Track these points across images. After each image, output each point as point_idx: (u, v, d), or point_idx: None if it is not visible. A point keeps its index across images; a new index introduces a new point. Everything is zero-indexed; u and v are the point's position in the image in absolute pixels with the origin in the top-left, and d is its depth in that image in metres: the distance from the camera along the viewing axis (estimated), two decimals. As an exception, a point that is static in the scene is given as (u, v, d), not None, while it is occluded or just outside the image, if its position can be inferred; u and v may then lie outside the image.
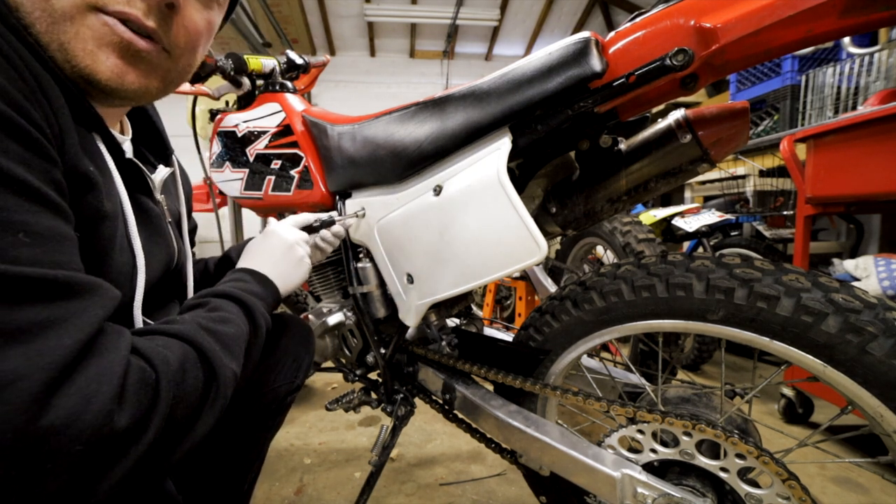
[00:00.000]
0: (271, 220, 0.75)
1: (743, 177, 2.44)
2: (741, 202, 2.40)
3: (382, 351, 0.93)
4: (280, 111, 0.99)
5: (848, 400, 0.55)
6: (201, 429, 0.42)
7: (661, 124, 0.69)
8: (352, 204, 0.87)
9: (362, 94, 5.50)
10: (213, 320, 0.48)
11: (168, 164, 0.67)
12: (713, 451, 0.63)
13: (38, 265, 0.32)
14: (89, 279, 0.36)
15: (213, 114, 1.13)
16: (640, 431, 0.67)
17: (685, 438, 0.63)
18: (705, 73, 0.58)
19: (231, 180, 1.07)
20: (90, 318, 0.34)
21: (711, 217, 2.03)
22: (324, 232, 0.80)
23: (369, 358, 0.96)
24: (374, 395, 1.03)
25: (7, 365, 0.28)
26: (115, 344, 0.35)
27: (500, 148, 0.64)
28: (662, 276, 0.63)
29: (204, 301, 0.52)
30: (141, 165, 0.56)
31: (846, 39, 1.87)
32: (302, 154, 0.95)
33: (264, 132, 1.01)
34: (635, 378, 0.84)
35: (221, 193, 1.13)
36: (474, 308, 1.07)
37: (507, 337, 1.02)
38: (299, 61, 1.13)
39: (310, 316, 0.94)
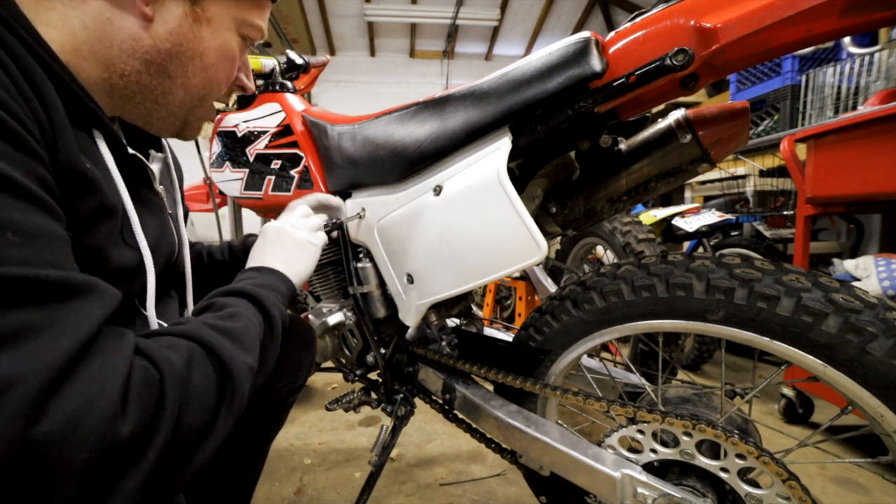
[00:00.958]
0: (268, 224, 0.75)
1: (743, 177, 2.44)
2: (741, 202, 2.40)
3: (382, 351, 0.93)
4: (280, 111, 0.99)
5: (848, 400, 0.55)
6: (221, 429, 0.40)
7: (661, 124, 0.69)
8: (352, 204, 0.87)
9: (362, 94, 5.50)
10: (219, 318, 0.46)
11: (159, 148, 0.65)
12: (713, 451, 0.63)
13: (29, 265, 0.31)
14: (85, 278, 0.35)
15: (212, 114, 1.13)
16: (641, 431, 0.67)
17: (685, 438, 0.63)
18: (705, 73, 0.58)
19: (231, 180, 1.07)
20: (88, 318, 0.32)
21: (711, 217, 2.03)
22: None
23: (369, 358, 0.96)
24: (374, 395, 1.03)
25: None
26: (116, 344, 0.34)
27: (500, 148, 0.64)
28: (662, 276, 0.63)
29: (210, 303, 0.51)
30: (142, 158, 0.55)
31: (846, 39, 1.87)
32: (302, 154, 0.95)
33: (264, 132, 1.00)
34: (635, 378, 0.84)
35: (221, 193, 1.13)
36: (474, 308, 1.07)
37: (507, 337, 1.02)
38: (299, 61, 1.13)
39: (310, 316, 0.94)
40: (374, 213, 0.82)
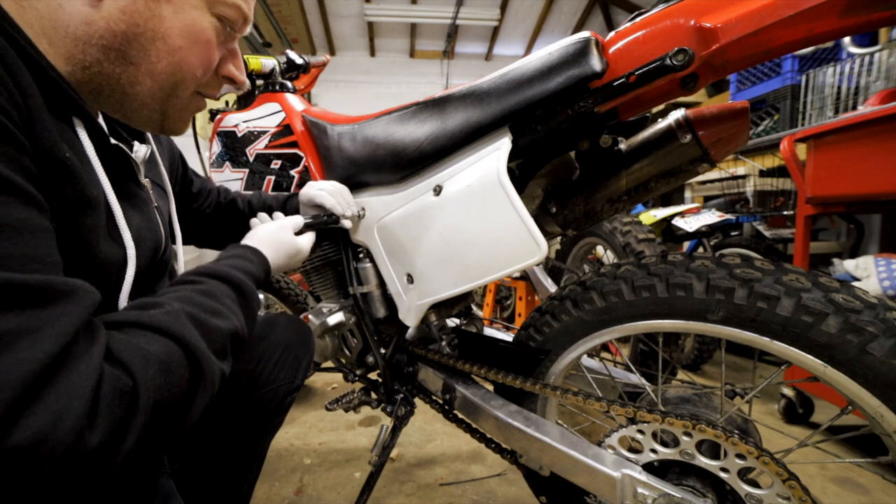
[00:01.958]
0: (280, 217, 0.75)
1: (743, 177, 2.44)
2: (741, 202, 2.40)
3: (382, 351, 0.93)
4: (280, 111, 0.99)
5: (848, 400, 0.55)
6: (186, 424, 0.40)
7: (661, 124, 0.69)
8: (352, 204, 0.87)
9: (362, 94, 5.50)
10: (204, 310, 0.45)
11: (143, 139, 0.64)
12: (713, 451, 0.63)
13: (8, 261, 0.30)
14: (66, 282, 0.34)
15: (212, 114, 1.13)
16: (641, 431, 0.66)
17: (685, 438, 0.63)
18: (705, 72, 0.58)
19: (231, 180, 1.07)
20: (66, 326, 0.31)
21: (711, 217, 2.03)
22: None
23: (369, 358, 0.96)
24: (374, 395, 1.03)
25: None
26: (87, 352, 0.32)
27: (500, 148, 0.64)
28: (662, 276, 0.63)
29: (197, 279, 0.50)
30: (126, 149, 0.53)
31: (846, 39, 1.87)
32: (302, 154, 0.95)
33: (264, 132, 1.01)
34: (635, 378, 0.84)
35: (221, 193, 1.13)
36: (474, 308, 1.07)
37: (507, 337, 1.02)
38: (299, 61, 1.14)
39: (310, 316, 0.94)
40: (374, 212, 0.82)
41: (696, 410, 0.68)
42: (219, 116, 1.10)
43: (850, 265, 1.35)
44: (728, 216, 2.13)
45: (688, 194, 2.78)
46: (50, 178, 0.39)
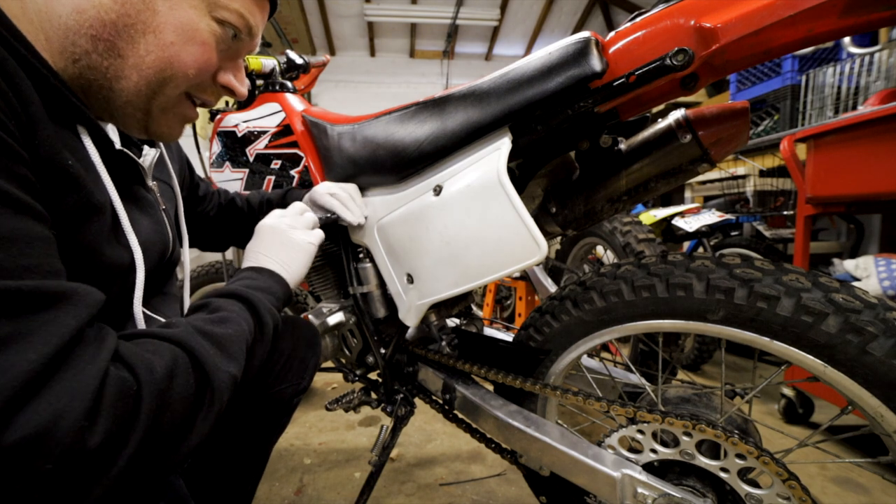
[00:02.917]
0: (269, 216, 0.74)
1: (743, 177, 2.44)
2: (741, 202, 2.40)
3: (382, 351, 0.93)
4: (280, 111, 0.99)
5: (848, 400, 0.55)
6: (195, 436, 0.40)
7: (661, 124, 0.69)
8: (352, 204, 0.87)
9: (362, 94, 5.50)
10: (210, 322, 0.46)
11: (153, 143, 0.64)
12: (713, 451, 0.63)
13: (1, 273, 0.30)
14: (60, 286, 0.34)
15: (212, 114, 1.13)
16: (641, 431, 0.66)
17: (685, 438, 0.63)
18: (705, 73, 0.58)
19: (231, 180, 1.07)
20: (59, 329, 0.32)
21: (711, 217, 2.03)
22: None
23: (369, 358, 0.96)
24: (374, 395, 1.03)
25: None
26: (91, 354, 0.33)
27: (500, 148, 0.64)
28: (662, 276, 0.63)
29: (205, 303, 0.51)
30: (131, 154, 0.53)
31: (846, 39, 1.87)
32: (302, 154, 0.95)
33: (264, 132, 1.01)
34: (635, 378, 0.84)
35: (221, 193, 1.13)
36: (474, 308, 1.07)
37: (507, 337, 1.02)
38: (299, 61, 1.14)
39: (310, 316, 0.94)
40: (375, 212, 0.82)
41: (696, 410, 0.68)
42: (219, 116, 1.10)
43: (850, 265, 1.35)
44: (728, 216, 2.13)
45: (688, 194, 2.78)
46: (52, 186, 0.39)
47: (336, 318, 0.93)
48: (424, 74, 5.70)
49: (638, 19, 0.57)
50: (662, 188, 0.72)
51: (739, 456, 0.59)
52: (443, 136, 0.69)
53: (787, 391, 1.54)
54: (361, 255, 0.89)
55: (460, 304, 0.96)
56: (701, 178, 2.61)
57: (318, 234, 0.72)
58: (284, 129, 0.98)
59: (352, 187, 0.83)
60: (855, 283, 0.74)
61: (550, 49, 0.59)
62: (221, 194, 0.92)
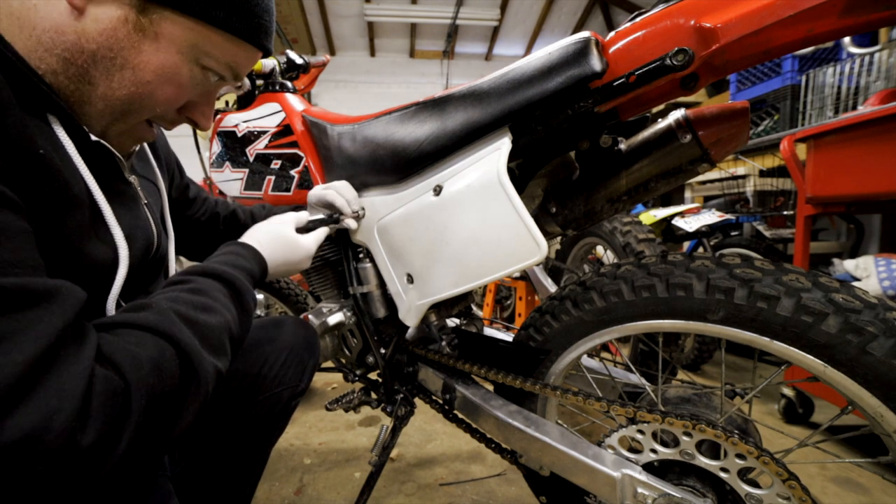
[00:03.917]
0: (289, 214, 0.74)
1: (743, 177, 2.44)
2: (741, 202, 2.40)
3: (382, 351, 0.93)
4: (280, 111, 0.99)
5: (848, 400, 0.55)
6: (182, 426, 0.40)
7: (661, 124, 0.69)
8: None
9: (362, 94, 5.51)
10: (194, 307, 0.43)
11: None
12: (713, 451, 0.63)
13: None
14: (45, 284, 0.33)
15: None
16: (641, 431, 0.66)
17: (685, 438, 0.63)
18: (705, 72, 0.58)
19: (231, 180, 1.07)
20: (46, 328, 0.31)
21: (711, 217, 2.03)
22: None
23: (369, 358, 0.96)
24: (374, 395, 1.03)
25: None
26: (76, 353, 0.32)
27: (500, 148, 0.64)
28: (662, 276, 0.63)
29: (186, 279, 0.48)
30: (108, 146, 0.50)
31: (846, 39, 1.87)
32: (302, 154, 0.95)
33: (264, 132, 1.01)
34: (635, 378, 0.84)
35: (221, 193, 1.13)
36: (474, 308, 1.07)
37: (507, 337, 1.02)
38: (299, 61, 1.14)
39: (310, 316, 0.94)
40: (374, 212, 0.82)
41: (696, 410, 0.68)
42: (219, 116, 1.10)
43: (850, 265, 1.35)
44: (728, 216, 2.13)
45: (688, 194, 2.78)
46: (25, 174, 0.37)
47: (336, 318, 0.93)
48: (424, 74, 5.71)
49: (638, 19, 0.57)
50: (662, 188, 0.72)
51: (739, 456, 0.59)
52: (443, 136, 0.69)
53: (787, 391, 1.54)
54: (361, 255, 0.89)
55: (460, 304, 0.96)
56: (701, 178, 2.61)
57: (315, 237, 0.72)
58: (284, 129, 0.98)
59: (342, 183, 0.83)
60: (855, 283, 0.74)
61: (550, 49, 0.59)
62: (220, 204, 0.89)
